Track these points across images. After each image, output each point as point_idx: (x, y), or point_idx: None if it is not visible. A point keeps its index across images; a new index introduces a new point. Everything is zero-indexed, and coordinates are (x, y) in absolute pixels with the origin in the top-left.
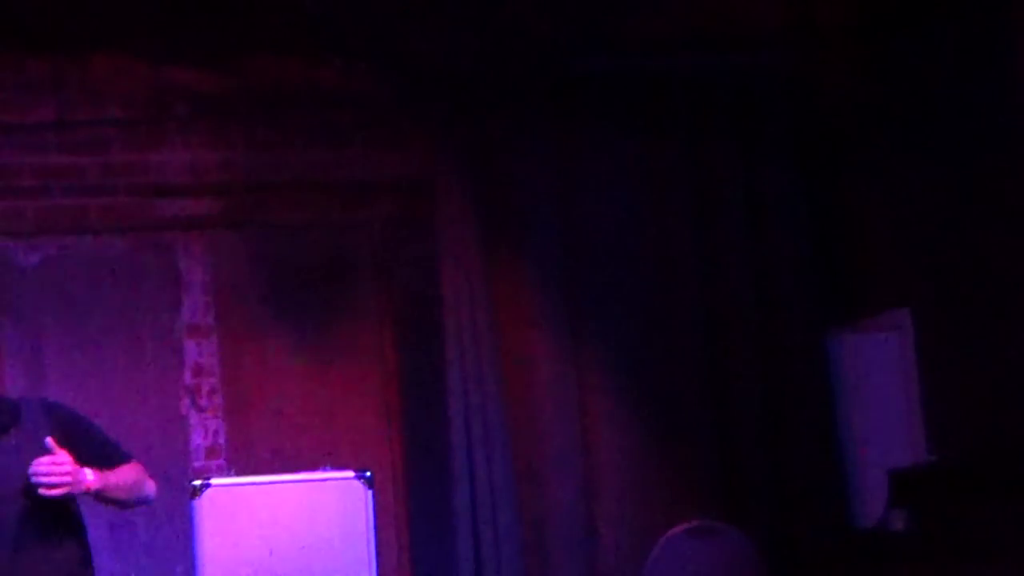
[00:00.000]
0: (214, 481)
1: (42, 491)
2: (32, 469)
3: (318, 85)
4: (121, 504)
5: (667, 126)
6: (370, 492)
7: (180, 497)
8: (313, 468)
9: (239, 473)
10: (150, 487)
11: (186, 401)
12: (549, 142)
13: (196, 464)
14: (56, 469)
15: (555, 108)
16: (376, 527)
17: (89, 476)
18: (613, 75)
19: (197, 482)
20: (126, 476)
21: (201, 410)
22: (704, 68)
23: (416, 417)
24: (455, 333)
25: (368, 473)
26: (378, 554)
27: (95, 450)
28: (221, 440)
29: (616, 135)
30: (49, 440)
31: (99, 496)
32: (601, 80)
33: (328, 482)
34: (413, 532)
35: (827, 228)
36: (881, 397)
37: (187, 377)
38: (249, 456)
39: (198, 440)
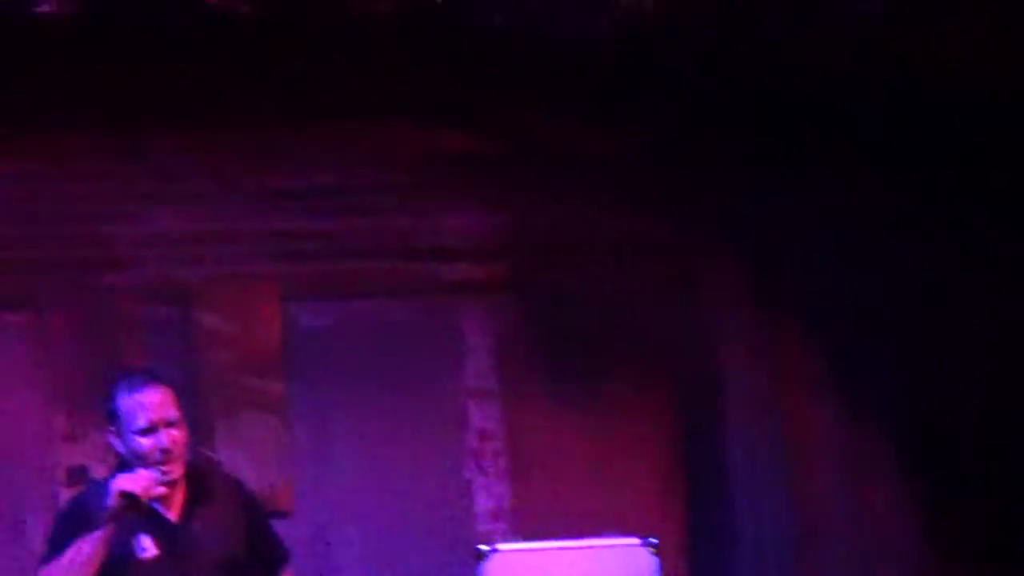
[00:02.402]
0: (500, 546)
1: None
2: None
3: (594, 147)
4: None
5: (942, 182)
6: (656, 560)
7: (464, 561)
8: (597, 533)
9: (523, 537)
10: None
11: (470, 465)
12: (825, 202)
13: (480, 528)
14: None
15: (830, 168)
16: None
17: None
18: (892, 128)
19: (483, 547)
20: None
21: (485, 474)
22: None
23: (697, 482)
24: (734, 394)
25: (654, 540)
26: None
27: (265, 542)
28: (505, 504)
29: (893, 193)
30: None
31: None
32: (877, 138)
33: (614, 548)
34: None
35: None
36: None
37: (471, 441)
38: (533, 520)
39: (482, 503)
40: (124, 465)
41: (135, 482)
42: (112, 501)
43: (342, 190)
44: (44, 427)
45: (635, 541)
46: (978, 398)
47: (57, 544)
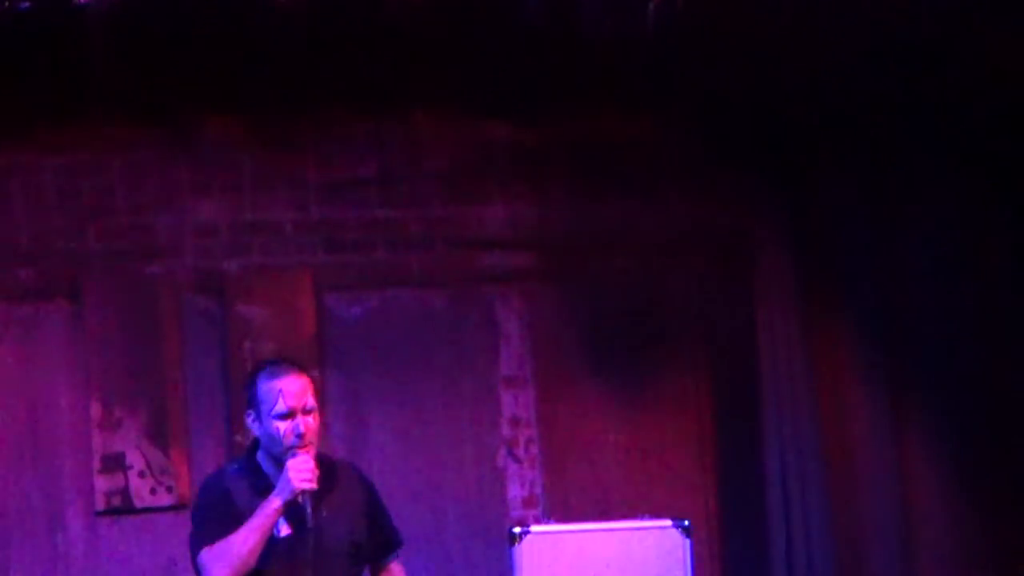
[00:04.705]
0: (533, 528)
1: None
2: None
3: (634, 137)
4: None
5: (991, 168)
6: (688, 541)
7: (497, 547)
8: (630, 517)
9: (556, 523)
10: None
11: (503, 452)
12: (866, 191)
13: (513, 514)
14: None
15: (871, 157)
16: None
17: None
18: (933, 119)
19: (516, 529)
20: None
21: (518, 461)
22: None
23: (731, 466)
24: (771, 383)
25: (686, 522)
26: None
27: (383, 528)
28: (538, 490)
29: (936, 180)
30: None
31: None
32: (919, 125)
33: (646, 530)
34: None
35: None
36: None
37: (504, 428)
38: (565, 506)
39: (515, 491)
40: (256, 447)
41: (308, 476)
42: (291, 495)
43: (382, 180)
44: (81, 415)
45: (667, 523)
46: None
47: (209, 528)
